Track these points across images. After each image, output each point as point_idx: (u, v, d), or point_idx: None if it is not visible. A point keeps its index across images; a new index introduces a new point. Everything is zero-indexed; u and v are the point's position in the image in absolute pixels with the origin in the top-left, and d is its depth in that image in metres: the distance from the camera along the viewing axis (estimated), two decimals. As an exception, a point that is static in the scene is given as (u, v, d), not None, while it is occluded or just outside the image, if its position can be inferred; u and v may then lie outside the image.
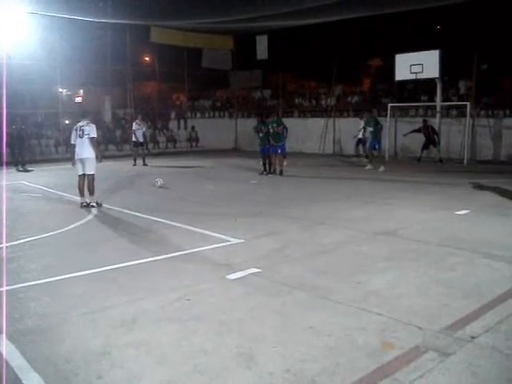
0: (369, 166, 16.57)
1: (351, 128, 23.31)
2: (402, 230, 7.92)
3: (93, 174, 10.25)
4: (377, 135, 16.63)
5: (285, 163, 16.59)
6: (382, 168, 16.16)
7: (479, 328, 4.23)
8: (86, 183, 10.25)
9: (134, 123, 19.41)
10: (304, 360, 3.71)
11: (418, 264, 6.13)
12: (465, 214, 9.21)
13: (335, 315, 4.54)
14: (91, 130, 10.13)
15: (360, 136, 19.85)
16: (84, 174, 10.27)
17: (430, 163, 18.44)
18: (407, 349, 3.85)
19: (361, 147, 20.34)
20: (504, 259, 6.26)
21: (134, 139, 19.13)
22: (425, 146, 19.16)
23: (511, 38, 20.56)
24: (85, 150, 10.14)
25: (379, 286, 5.31)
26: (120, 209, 9.95)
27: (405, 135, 19.38)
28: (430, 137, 19.00)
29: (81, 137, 10.10)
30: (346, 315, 4.54)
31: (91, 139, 10.11)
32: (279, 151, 15.17)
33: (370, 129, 16.66)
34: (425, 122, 19.17)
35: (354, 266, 6.04)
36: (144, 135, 19.26)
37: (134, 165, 18.94)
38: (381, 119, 21.80)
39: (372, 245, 7.12)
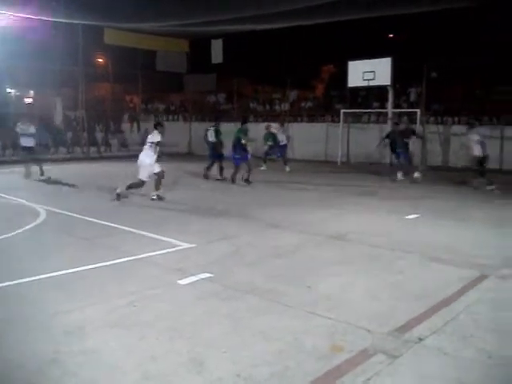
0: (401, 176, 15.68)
1: (304, 133, 23.57)
2: (353, 235, 8.03)
3: (158, 172, 11.33)
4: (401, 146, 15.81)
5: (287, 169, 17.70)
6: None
7: (426, 330, 4.32)
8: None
9: (18, 124, 15.34)
10: (254, 365, 3.70)
11: (369, 268, 6.23)
12: (414, 219, 9.44)
13: (286, 319, 4.56)
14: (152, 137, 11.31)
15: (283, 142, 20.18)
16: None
17: (383, 168, 18.79)
18: (356, 352, 3.89)
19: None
20: (451, 262, 6.43)
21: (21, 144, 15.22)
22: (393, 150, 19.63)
23: (460, 46, 21.25)
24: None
25: (330, 289, 5.36)
26: (69, 213, 9.71)
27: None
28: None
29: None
30: (296, 319, 4.56)
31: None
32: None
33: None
34: (395, 124, 19.59)
35: (306, 270, 6.08)
36: (35, 138, 15.28)
37: (27, 177, 15.09)
38: (334, 125, 22.33)
39: (324, 249, 7.20)
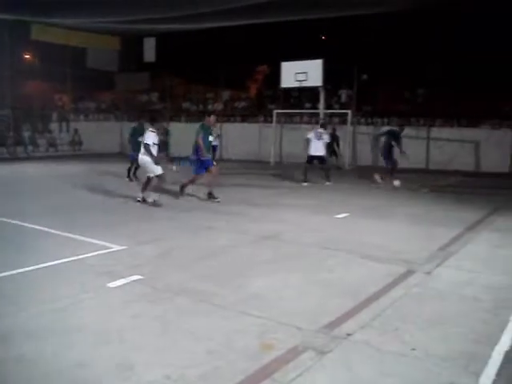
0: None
1: (237, 133, 23.65)
2: (284, 234, 8.11)
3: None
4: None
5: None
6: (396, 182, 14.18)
7: (355, 325, 4.42)
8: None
9: None
10: (184, 366, 3.66)
11: (299, 266, 6.31)
12: (343, 217, 9.65)
13: (217, 319, 4.54)
14: (147, 137, 10.59)
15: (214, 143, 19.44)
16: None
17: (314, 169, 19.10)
18: (286, 349, 3.93)
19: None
20: (379, 259, 6.61)
21: None
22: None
23: (389, 50, 21.93)
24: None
25: (261, 288, 5.38)
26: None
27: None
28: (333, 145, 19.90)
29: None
30: (227, 319, 4.55)
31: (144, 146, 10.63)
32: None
33: (394, 144, 14.40)
34: (334, 130, 20.04)
35: (237, 270, 6.09)
36: None
37: None
38: (267, 125, 22.52)
39: (255, 248, 7.23)
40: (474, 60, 19.56)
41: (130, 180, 14.64)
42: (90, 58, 27.58)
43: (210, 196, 11.35)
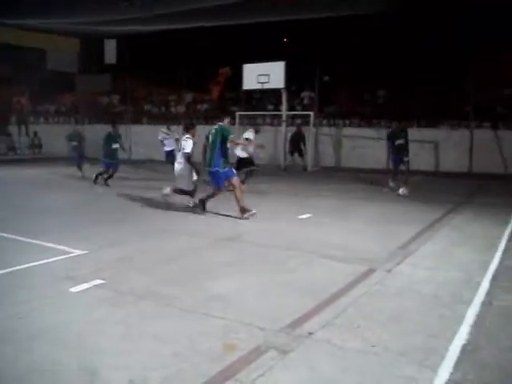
0: None
1: (200, 135, 23.54)
2: (246, 236, 8.16)
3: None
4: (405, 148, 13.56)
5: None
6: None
7: (316, 324, 4.48)
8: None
9: None
10: (148, 369, 3.66)
11: (261, 267, 6.35)
12: (306, 218, 9.74)
13: (180, 322, 4.54)
14: (187, 146, 10.06)
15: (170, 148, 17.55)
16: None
17: (277, 170, 19.24)
18: (249, 349, 3.96)
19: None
20: (340, 259, 6.70)
21: None
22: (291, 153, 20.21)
23: (350, 51, 22.23)
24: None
25: (223, 290, 5.40)
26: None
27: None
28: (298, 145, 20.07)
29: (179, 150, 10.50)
30: (191, 321, 4.55)
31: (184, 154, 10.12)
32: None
33: (401, 141, 13.45)
34: (299, 128, 20.14)
35: (200, 273, 6.09)
36: None
37: None
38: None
39: (217, 250, 7.26)
40: (432, 61, 20.03)
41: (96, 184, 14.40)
42: (50, 59, 27.10)
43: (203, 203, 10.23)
